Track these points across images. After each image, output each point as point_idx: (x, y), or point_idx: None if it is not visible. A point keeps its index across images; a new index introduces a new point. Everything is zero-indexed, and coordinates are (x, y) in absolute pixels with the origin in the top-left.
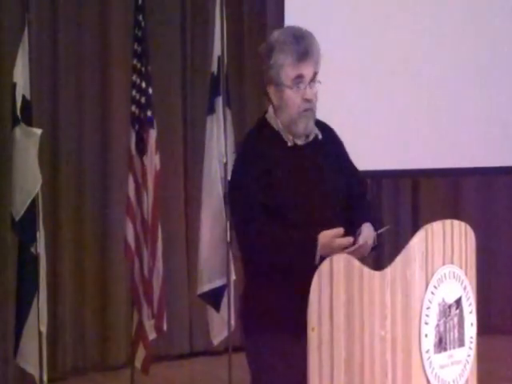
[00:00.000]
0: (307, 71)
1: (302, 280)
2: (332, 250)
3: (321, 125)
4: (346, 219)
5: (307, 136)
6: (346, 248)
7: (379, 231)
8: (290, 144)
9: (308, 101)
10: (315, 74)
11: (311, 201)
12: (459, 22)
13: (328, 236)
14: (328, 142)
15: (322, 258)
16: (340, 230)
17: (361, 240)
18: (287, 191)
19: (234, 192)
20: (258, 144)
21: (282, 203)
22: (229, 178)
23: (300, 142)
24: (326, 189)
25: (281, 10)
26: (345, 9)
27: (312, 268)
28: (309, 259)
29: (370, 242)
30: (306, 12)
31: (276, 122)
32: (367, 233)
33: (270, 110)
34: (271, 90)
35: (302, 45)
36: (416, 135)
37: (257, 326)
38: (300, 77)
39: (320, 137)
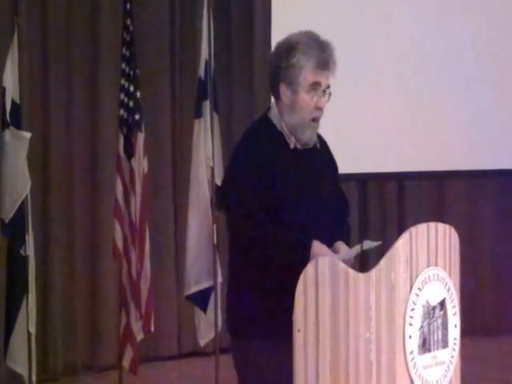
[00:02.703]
0: (324, 80)
1: (291, 283)
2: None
3: (319, 136)
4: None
5: (308, 143)
6: None
7: (365, 248)
8: (292, 146)
9: (319, 109)
10: (328, 85)
11: (309, 204)
12: (446, 29)
13: (323, 248)
14: (324, 154)
15: None
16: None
17: (349, 254)
18: (286, 192)
19: (233, 187)
20: (259, 143)
21: (280, 204)
22: (216, 181)
23: (299, 147)
24: (323, 194)
25: (267, 16)
26: (331, 17)
27: (300, 271)
28: (301, 259)
29: (351, 254)
30: (293, 18)
31: (280, 122)
32: (353, 249)
33: (275, 108)
34: (283, 89)
35: (327, 53)
36: (402, 139)
37: (245, 330)
38: (317, 84)
39: (318, 146)
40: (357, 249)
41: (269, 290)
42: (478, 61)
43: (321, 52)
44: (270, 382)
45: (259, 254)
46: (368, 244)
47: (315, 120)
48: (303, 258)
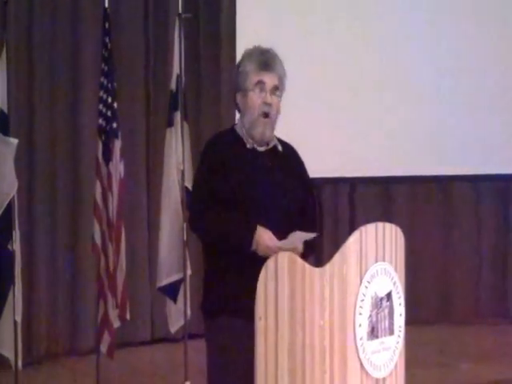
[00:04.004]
0: (268, 80)
1: (253, 272)
2: (259, 246)
3: (283, 143)
4: (293, 226)
5: (267, 144)
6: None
7: (308, 237)
8: (248, 146)
9: (268, 104)
10: (276, 86)
11: (261, 200)
12: (413, 37)
13: (266, 233)
14: (288, 158)
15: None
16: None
17: (283, 244)
18: (240, 188)
19: (193, 186)
20: (218, 145)
21: (235, 199)
22: (186, 183)
23: (260, 149)
24: (276, 193)
25: (232, 36)
26: (294, 31)
27: (258, 260)
28: (246, 238)
29: (300, 245)
30: (256, 37)
31: (240, 127)
32: (292, 238)
33: (238, 117)
34: (239, 97)
35: (266, 56)
36: (354, 146)
37: (212, 310)
38: (261, 82)
39: (279, 148)
40: (291, 240)
41: (226, 271)
42: (426, 72)
43: (261, 55)
44: (232, 358)
45: (212, 239)
46: (302, 235)
47: (266, 116)
48: (248, 241)
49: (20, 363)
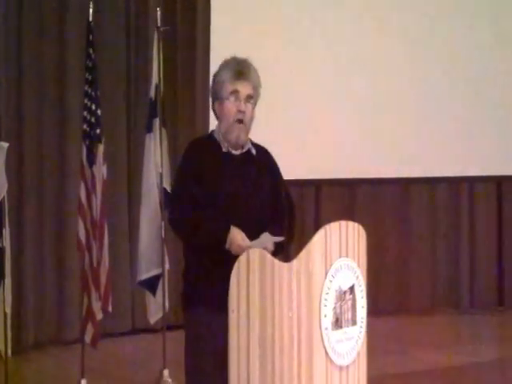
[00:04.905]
0: (243, 89)
1: (227, 267)
2: (232, 245)
3: (258, 146)
4: (265, 226)
5: (242, 147)
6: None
7: (277, 240)
8: (224, 150)
9: (242, 112)
10: (250, 95)
11: (234, 201)
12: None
13: (239, 234)
14: (262, 160)
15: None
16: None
17: (254, 244)
18: (215, 189)
19: (172, 188)
20: (195, 149)
21: (211, 200)
22: (164, 185)
23: (235, 153)
24: (252, 193)
25: (207, 49)
26: (266, 42)
27: (233, 257)
28: (220, 239)
29: (270, 245)
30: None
31: (218, 132)
32: (263, 239)
33: (216, 124)
34: (216, 105)
35: (241, 66)
36: (319, 149)
37: (190, 301)
38: (236, 91)
39: (253, 151)
40: (262, 240)
41: (203, 266)
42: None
43: (236, 65)
44: (207, 345)
45: (190, 239)
46: (272, 237)
47: (240, 122)
48: (222, 238)
49: (10, 352)
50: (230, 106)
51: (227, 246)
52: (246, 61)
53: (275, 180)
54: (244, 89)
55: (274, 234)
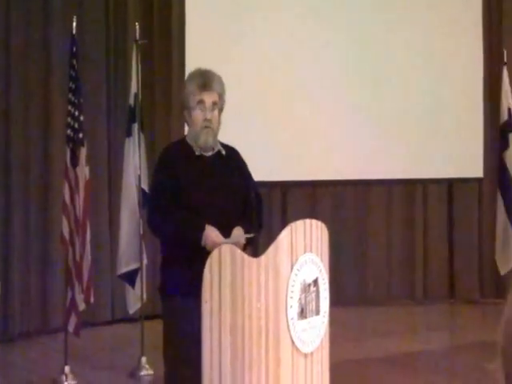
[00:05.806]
0: (208, 98)
1: (201, 261)
2: (207, 242)
3: (227, 147)
4: (235, 222)
5: (213, 149)
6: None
7: (248, 236)
8: (197, 153)
9: (208, 120)
10: (215, 102)
11: (206, 200)
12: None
13: (213, 231)
14: (231, 159)
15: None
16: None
17: (227, 241)
18: (188, 189)
19: (150, 188)
20: (170, 153)
21: (185, 199)
22: (142, 185)
23: (207, 155)
24: (223, 191)
25: (182, 60)
26: (236, 56)
27: (202, 251)
28: (196, 236)
29: (242, 240)
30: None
31: (189, 137)
32: (236, 234)
33: (187, 129)
34: (186, 114)
35: (205, 77)
36: (285, 153)
37: (168, 292)
38: (201, 101)
39: (223, 152)
40: (234, 237)
41: (179, 260)
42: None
43: (200, 77)
44: (183, 332)
45: (167, 237)
46: (243, 234)
47: (207, 128)
48: (197, 236)
49: None
50: (197, 114)
51: (202, 243)
52: (210, 71)
53: (244, 177)
54: (209, 98)
55: (244, 228)
